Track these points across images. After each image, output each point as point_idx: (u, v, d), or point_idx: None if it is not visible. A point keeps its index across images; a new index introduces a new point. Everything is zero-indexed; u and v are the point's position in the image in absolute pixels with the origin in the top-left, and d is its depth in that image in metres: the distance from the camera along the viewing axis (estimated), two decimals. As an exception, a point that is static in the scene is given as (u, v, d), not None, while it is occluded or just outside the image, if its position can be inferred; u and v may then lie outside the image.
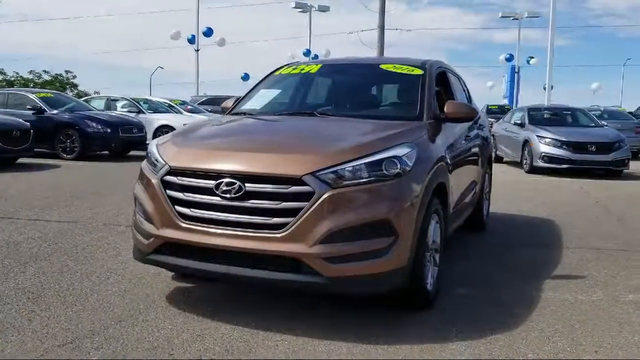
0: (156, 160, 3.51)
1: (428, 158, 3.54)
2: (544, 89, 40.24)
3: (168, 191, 3.32)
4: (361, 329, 3.25)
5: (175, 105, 17.99)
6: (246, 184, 3.10)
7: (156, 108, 16.69)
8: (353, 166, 3.11)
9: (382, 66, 4.65)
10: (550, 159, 12.06)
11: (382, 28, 34.18)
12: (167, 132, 15.54)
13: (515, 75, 37.81)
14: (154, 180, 3.38)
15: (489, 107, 25.09)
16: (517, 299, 3.90)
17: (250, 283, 3.40)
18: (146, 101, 17.02)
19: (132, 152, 13.81)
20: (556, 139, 12.10)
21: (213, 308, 3.55)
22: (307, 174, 3.04)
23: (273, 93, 4.68)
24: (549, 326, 3.40)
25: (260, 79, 4.90)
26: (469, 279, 4.33)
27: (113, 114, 14.34)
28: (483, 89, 47.03)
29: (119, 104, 16.47)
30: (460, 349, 3.05)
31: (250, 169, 3.13)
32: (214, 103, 23.67)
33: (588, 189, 10.18)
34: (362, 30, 51.85)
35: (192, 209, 3.24)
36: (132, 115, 14.80)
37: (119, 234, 5.45)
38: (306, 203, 3.02)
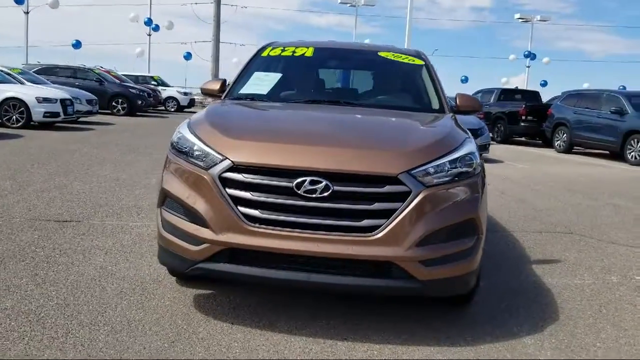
0: (191, 149, 3.05)
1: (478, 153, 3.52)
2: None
3: (228, 190, 2.90)
4: (434, 331, 3.17)
5: (14, 75, 15.78)
6: (334, 183, 2.81)
7: (-6, 77, 14.51)
8: (439, 164, 2.98)
9: (381, 54, 4.50)
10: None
11: (218, 3, 33.29)
12: (14, 106, 13.79)
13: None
14: (207, 177, 2.93)
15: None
16: (527, 286, 4.08)
17: (330, 291, 3.10)
18: (-18, 68, 14.71)
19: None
20: (431, 124, 12.84)
21: (260, 318, 3.20)
22: (404, 172, 2.85)
23: (273, 77, 4.28)
24: (583, 313, 3.60)
25: (247, 60, 4.46)
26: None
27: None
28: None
29: (-52, 71, 14.04)
30: (536, 343, 3.12)
31: (340, 167, 2.83)
32: (50, 73, 21.28)
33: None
34: (195, 3, 49.86)
35: (262, 211, 2.86)
36: (-29, 84, 12.72)
37: (59, 231, 4.67)
38: (401, 204, 2.83)
